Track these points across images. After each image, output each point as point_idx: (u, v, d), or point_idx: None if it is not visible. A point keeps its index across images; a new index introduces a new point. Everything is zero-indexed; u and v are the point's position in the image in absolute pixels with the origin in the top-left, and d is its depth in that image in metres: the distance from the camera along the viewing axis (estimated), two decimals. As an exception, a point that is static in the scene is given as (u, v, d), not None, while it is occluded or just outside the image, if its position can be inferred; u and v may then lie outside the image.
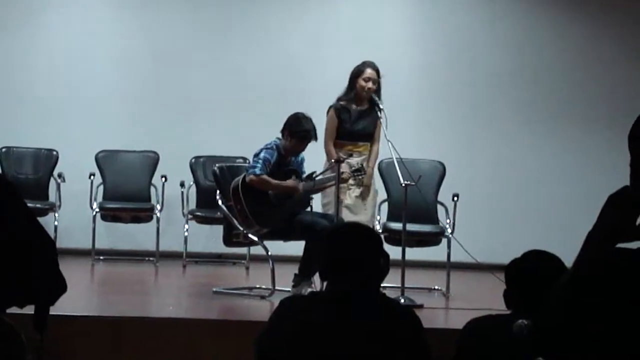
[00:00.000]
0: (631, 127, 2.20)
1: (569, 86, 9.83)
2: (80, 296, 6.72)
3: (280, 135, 7.17)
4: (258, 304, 6.86)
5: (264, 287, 7.23)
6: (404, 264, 6.85)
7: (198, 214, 9.08)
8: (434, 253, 8.01)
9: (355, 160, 7.26)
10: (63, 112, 9.48)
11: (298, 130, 7.07)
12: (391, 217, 7.85)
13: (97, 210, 8.98)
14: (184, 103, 9.61)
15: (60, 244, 6.91)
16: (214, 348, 5.71)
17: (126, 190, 9.16)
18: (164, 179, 9.18)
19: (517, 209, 9.67)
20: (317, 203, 7.35)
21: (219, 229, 7.63)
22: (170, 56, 9.64)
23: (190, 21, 9.69)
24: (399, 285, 6.81)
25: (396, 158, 7.00)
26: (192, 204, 9.23)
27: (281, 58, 9.66)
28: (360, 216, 7.16)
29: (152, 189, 9.21)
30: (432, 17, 9.88)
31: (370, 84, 7.33)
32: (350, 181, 7.24)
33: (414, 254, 7.61)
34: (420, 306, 6.70)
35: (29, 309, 3.20)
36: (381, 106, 7.28)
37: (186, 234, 9.03)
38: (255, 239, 7.12)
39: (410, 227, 7.19)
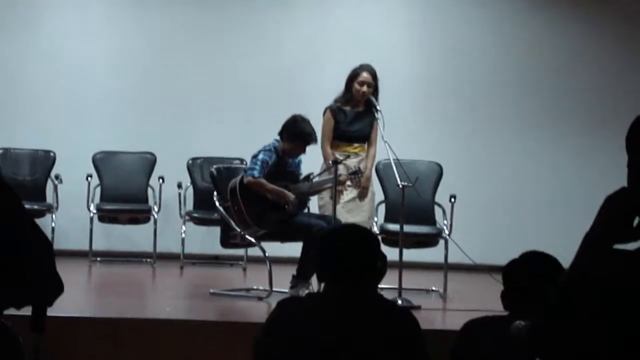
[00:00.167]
0: (629, 128, 2.20)
1: (566, 88, 9.82)
2: (78, 298, 6.72)
3: (277, 137, 7.16)
4: (255, 306, 6.86)
5: (261, 288, 7.23)
6: (402, 265, 6.86)
7: (195, 215, 9.08)
8: (432, 254, 8.02)
9: (352, 163, 7.26)
10: (60, 113, 9.47)
11: (298, 133, 7.05)
12: (388, 218, 7.85)
13: (95, 211, 8.97)
14: (181, 105, 9.61)
15: (58, 245, 6.91)
16: (211, 349, 5.71)
17: (123, 192, 9.15)
18: (161, 180, 9.17)
19: (514, 210, 9.66)
20: (314, 204, 7.35)
21: (216, 231, 7.63)
22: (167, 58, 9.64)
23: (187, 24, 9.68)
24: (397, 286, 6.82)
25: (393, 159, 7.00)
26: (190, 205, 9.23)
27: (278, 61, 9.65)
28: (357, 217, 7.15)
29: (150, 191, 9.21)
30: (429, 19, 9.88)
31: (365, 88, 7.32)
32: (348, 183, 7.24)
33: (412, 255, 7.61)
34: (418, 307, 6.70)
35: (27, 311, 3.19)
36: (378, 107, 7.28)
37: (183, 235, 9.03)
38: (253, 240, 7.12)
39: (408, 228, 7.18)
